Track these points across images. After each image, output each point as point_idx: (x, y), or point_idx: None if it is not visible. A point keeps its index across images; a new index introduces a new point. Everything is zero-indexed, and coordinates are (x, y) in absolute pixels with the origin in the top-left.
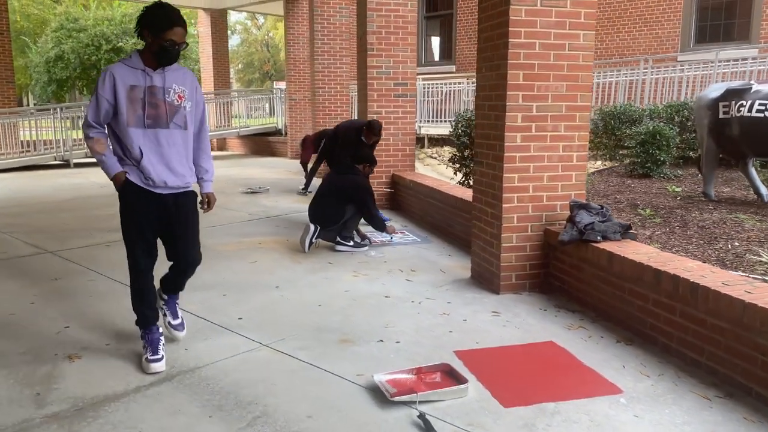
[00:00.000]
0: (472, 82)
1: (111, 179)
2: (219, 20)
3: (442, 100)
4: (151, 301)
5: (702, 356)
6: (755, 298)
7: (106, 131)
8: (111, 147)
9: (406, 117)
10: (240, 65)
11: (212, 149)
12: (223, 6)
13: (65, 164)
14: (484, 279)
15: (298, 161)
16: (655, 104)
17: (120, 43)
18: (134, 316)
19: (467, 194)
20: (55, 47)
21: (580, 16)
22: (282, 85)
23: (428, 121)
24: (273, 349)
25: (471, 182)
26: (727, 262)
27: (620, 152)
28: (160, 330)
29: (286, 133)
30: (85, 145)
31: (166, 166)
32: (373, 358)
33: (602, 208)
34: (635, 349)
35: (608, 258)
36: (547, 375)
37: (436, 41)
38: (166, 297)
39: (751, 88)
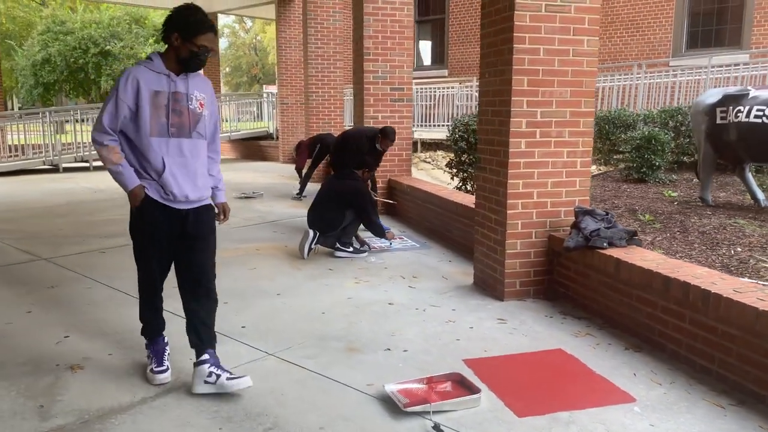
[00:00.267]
0: (465, 87)
1: (128, 192)
2: None
3: (434, 104)
4: (160, 313)
5: (713, 364)
6: None
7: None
8: (124, 156)
9: (402, 122)
10: (228, 68)
11: None
12: (214, 9)
13: (54, 169)
14: (488, 285)
15: (291, 166)
16: (649, 109)
17: (108, 47)
18: (136, 325)
19: (467, 199)
20: (42, 50)
21: (585, 21)
22: (272, 88)
23: (421, 125)
24: (279, 359)
25: (468, 187)
26: (732, 268)
27: (615, 157)
28: (166, 340)
29: (277, 138)
30: (97, 154)
31: (189, 179)
32: (381, 367)
33: (607, 214)
34: (644, 357)
35: (615, 265)
36: (558, 383)
37: (428, 45)
38: (207, 356)
39: (748, 93)
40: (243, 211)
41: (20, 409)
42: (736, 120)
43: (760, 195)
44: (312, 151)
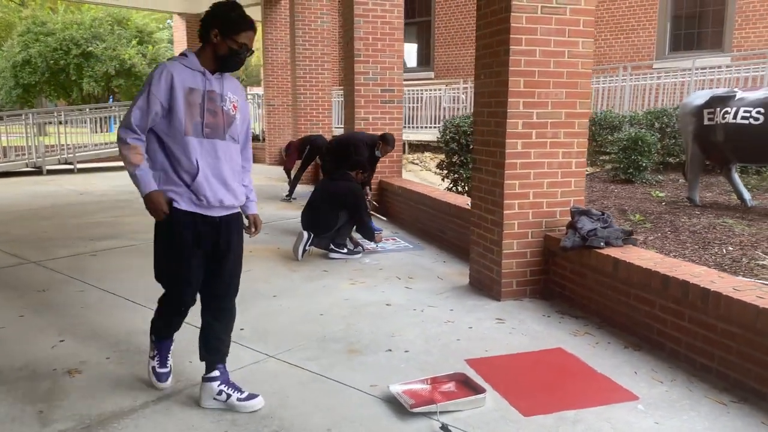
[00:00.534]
0: (452, 89)
1: (144, 196)
2: (195, 25)
3: (421, 106)
4: (179, 326)
5: (712, 361)
6: None
7: (145, 140)
8: (147, 159)
9: (393, 123)
10: None
11: None
12: (200, 11)
13: (38, 171)
14: (484, 286)
15: (278, 167)
16: (635, 111)
17: (90, 48)
18: (131, 328)
19: (460, 200)
20: (22, 51)
21: (580, 23)
22: (257, 90)
23: (408, 127)
24: (280, 361)
25: (459, 188)
26: (726, 267)
27: (601, 158)
28: (173, 340)
29: (263, 139)
30: (113, 153)
31: (222, 183)
32: (384, 368)
33: (603, 214)
34: (644, 355)
35: (614, 264)
36: (561, 382)
37: (413, 48)
38: (218, 373)
39: (735, 95)
40: None
41: (19, 414)
42: (723, 121)
43: (747, 195)
44: (301, 153)
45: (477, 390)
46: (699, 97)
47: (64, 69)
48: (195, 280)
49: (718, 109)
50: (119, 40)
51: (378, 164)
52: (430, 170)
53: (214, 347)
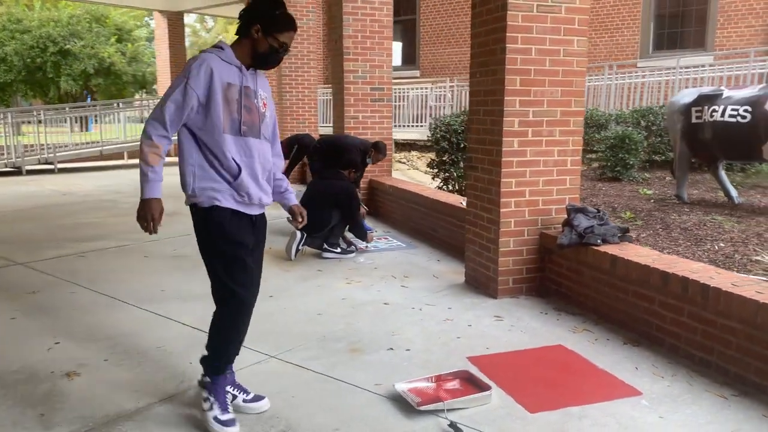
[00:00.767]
0: (438, 87)
1: (143, 200)
2: (176, 23)
3: (407, 105)
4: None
5: (712, 356)
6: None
7: (172, 138)
8: (163, 162)
9: (383, 122)
10: None
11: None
12: (181, 8)
13: (17, 171)
14: (480, 284)
15: None
16: (621, 109)
17: (68, 46)
18: (127, 329)
19: (452, 199)
20: None
21: (574, 22)
22: None
23: (394, 126)
24: (282, 361)
25: (450, 187)
26: (720, 263)
27: (588, 156)
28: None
29: None
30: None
31: (257, 182)
32: (386, 367)
33: (599, 211)
34: (643, 351)
35: (611, 261)
36: (564, 379)
37: (398, 46)
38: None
39: (722, 93)
40: None
41: (20, 418)
42: (711, 119)
43: (734, 192)
44: (289, 152)
45: (482, 387)
46: (687, 96)
47: (41, 67)
48: (256, 278)
49: (706, 107)
50: (98, 38)
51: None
52: (417, 169)
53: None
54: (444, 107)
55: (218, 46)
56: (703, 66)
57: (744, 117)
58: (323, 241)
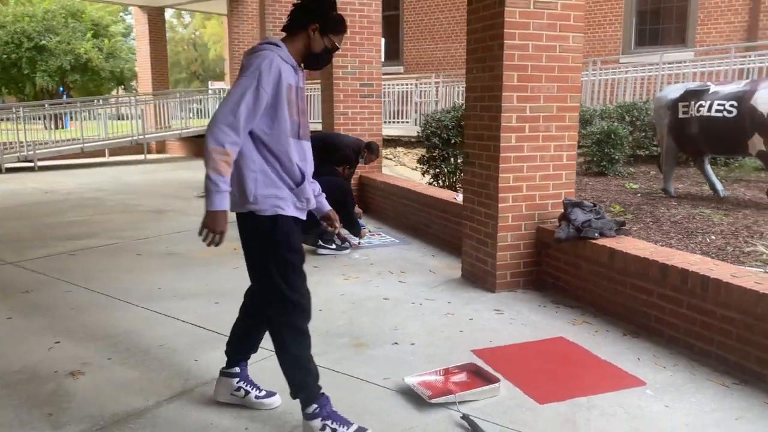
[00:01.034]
0: (422, 83)
1: (212, 211)
2: (156, 18)
3: (392, 101)
4: None
5: (711, 346)
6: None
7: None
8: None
9: (372, 118)
10: None
11: (150, 152)
12: (162, 3)
13: None
14: (478, 278)
15: None
16: (605, 105)
17: (43, 41)
18: (127, 328)
19: (445, 195)
20: None
21: (570, 18)
22: (219, 84)
23: None
24: None
25: (440, 183)
26: (713, 255)
27: None
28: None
29: None
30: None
31: (309, 187)
32: (392, 361)
33: (595, 205)
34: (643, 342)
35: (609, 254)
36: (569, 370)
37: (382, 42)
38: (238, 369)
39: (709, 89)
40: None
41: (27, 418)
42: (697, 114)
43: (719, 186)
44: None
45: (490, 380)
46: (673, 91)
47: (15, 63)
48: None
49: (693, 102)
50: (74, 33)
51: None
52: (405, 165)
53: (249, 347)
54: (429, 103)
55: (274, 43)
56: (685, 62)
57: (730, 112)
58: (318, 238)
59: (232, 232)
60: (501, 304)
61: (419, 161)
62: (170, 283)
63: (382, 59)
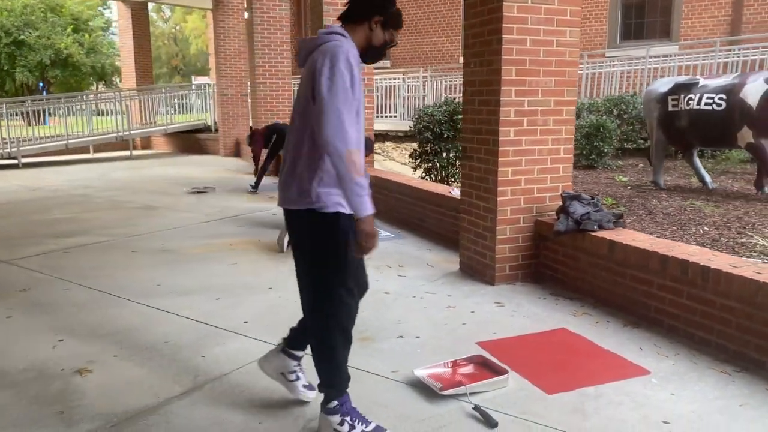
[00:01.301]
0: (409, 78)
1: (365, 217)
2: (140, 12)
3: (381, 95)
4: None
5: (711, 335)
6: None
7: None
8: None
9: (365, 112)
10: None
11: (136, 148)
12: None
13: None
14: (476, 271)
15: (233, 159)
16: (593, 98)
17: (22, 36)
18: (131, 325)
19: (440, 189)
20: None
21: (567, 13)
22: (204, 79)
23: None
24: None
25: (432, 177)
26: (708, 246)
27: None
28: None
29: (217, 130)
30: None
31: None
32: (399, 354)
33: (593, 198)
34: (644, 332)
35: (609, 246)
36: (574, 360)
37: None
38: (300, 353)
39: (698, 82)
40: (200, 206)
41: (37, 416)
42: (687, 107)
43: (708, 178)
44: (267, 141)
45: (498, 371)
46: (663, 85)
47: None
48: None
49: (682, 95)
50: (53, 28)
51: None
52: (394, 160)
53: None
54: (417, 97)
55: (341, 33)
56: (670, 55)
57: (719, 105)
58: None
59: (232, 229)
60: (501, 296)
61: (411, 156)
62: (168, 279)
63: None
